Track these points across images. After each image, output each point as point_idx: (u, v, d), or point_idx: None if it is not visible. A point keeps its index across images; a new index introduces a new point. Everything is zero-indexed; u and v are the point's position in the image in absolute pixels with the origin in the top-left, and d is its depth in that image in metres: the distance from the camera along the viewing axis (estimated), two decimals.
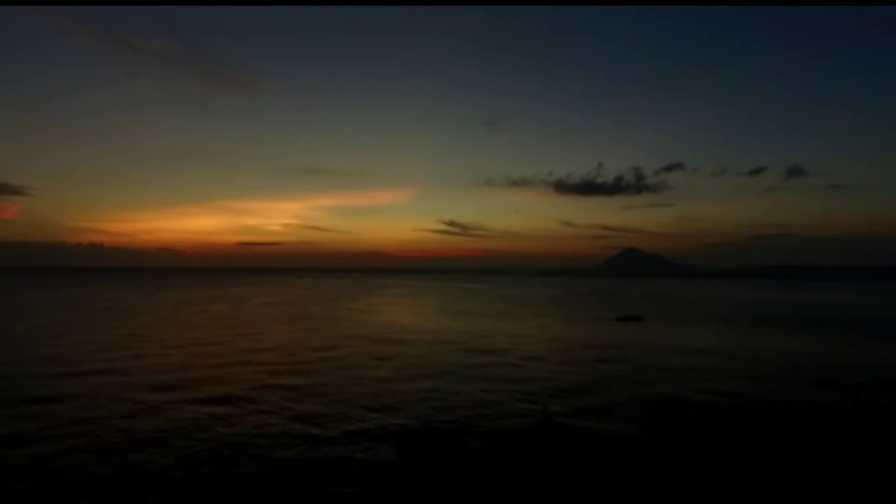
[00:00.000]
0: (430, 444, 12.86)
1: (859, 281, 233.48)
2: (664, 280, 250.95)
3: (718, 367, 29.31)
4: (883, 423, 14.17)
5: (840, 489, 10.14)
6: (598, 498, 10.10)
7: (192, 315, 59.95)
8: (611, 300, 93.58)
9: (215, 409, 20.23)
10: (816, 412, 19.26)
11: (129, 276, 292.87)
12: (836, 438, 13.22)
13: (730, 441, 13.54)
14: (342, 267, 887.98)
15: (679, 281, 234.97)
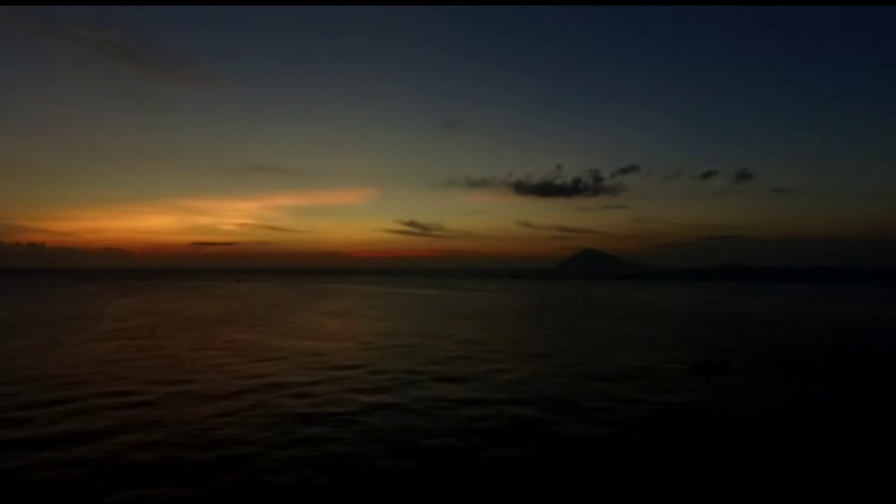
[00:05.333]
0: None
1: (796, 283, 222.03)
2: (646, 283, 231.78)
3: None
4: None
5: None
6: None
7: None
8: (628, 319, 69.29)
9: None
10: None
11: (55, 278, 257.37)
12: None
13: None
14: (299, 268, 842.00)
15: (669, 285, 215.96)
